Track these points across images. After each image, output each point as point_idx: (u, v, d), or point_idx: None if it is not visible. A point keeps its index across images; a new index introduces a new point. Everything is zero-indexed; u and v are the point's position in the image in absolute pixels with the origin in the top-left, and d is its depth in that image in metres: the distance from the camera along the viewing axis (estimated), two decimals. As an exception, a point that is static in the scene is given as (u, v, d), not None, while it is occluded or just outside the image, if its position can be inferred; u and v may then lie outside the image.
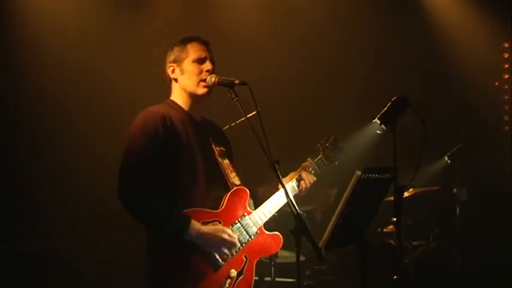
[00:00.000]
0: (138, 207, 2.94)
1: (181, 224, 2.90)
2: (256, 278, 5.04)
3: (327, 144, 3.56)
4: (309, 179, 3.41)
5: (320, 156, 3.52)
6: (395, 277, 5.01)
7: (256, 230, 3.16)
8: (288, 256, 5.18)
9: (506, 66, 6.80)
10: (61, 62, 5.75)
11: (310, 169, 3.46)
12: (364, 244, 3.03)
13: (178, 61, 3.20)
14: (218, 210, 3.08)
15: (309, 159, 3.50)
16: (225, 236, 2.99)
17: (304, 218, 2.72)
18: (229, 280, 3.01)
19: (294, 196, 3.36)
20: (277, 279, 5.07)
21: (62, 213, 5.60)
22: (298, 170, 3.46)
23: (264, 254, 3.31)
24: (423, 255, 5.59)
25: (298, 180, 3.39)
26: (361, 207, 2.97)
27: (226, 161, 3.27)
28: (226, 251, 3.00)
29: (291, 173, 3.43)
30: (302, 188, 3.39)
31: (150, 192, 2.93)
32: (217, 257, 2.99)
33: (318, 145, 3.57)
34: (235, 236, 3.05)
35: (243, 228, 3.11)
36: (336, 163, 3.60)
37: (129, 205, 2.94)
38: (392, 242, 5.52)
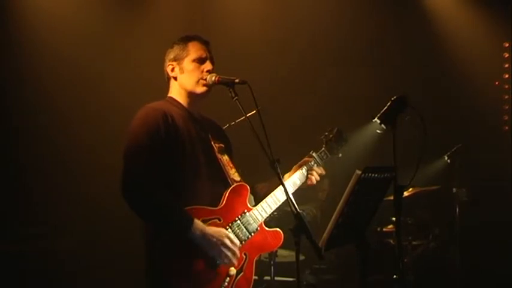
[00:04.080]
0: (141, 205, 2.92)
1: (184, 223, 2.89)
2: (256, 277, 5.04)
3: (331, 136, 3.51)
4: (317, 171, 3.37)
5: (323, 148, 3.47)
6: (394, 276, 5.01)
7: (256, 226, 3.14)
8: (287, 255, 5.19)
9: (506, 65, 6.80)
10: (61, 61, 5.76)
11: (312, 163, 3.40)
12: (363, 243, 3.03)
13: (178, 59, 3.18)
14: (218, 208, 3.06)
15: (311, 152, 3.44)
16: (227, 242, 2.97)
17: (304, 217, 2.71)
18: (228, 278, 3.00)
19: (303, 185, 3.34)
20: (276, 278, 5.07)
21: (62, 214, 5.60)
22: (299, 163, 3.40)
23: (264, 251, 3.30)
24: (423, 255, 5.59)
25: (309, 168, 3.35)
26: (361, 207, 2.97)
27: (226, 157, 3.25)
28: (225, 258, 2.97)
29: (294, 167, 3.40)
30: (312, 181, 3.35)
31: (153, 189, 2.92)
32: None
33: (322, 137, 3.52)
34: (237, 242, 3.03)
35: (243, 225, 3.10)
36: (340, 155, 3.54)
37: (132, 203, 2.91)
38: (391, 241, 5.53)
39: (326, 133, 3.53)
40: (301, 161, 3.43)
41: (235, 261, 3.01)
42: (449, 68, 6.75)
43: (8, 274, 4.89)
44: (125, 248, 5.21)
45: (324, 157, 3.46)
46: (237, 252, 3.01)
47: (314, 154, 3.44)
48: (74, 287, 5.32)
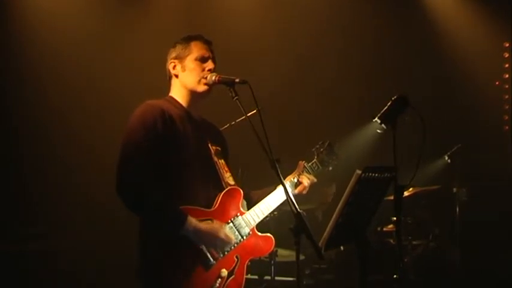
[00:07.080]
0: (135, 201, 2.92)
1: (178, 219, 2.89)
2: (256, 276, 5.06)
3: (322, 149, 3.56)
4: (308, 177, 3.41)
5: (314, 160, 3.51)
6: (394, 276, 5.01)
7: (248, 230, 3.14)
8: (287, 255, 5.19)
9: (507, 65, 6.81)
10: (61, 61, 5.75)
11: (305, 172, 3.43)
12: (364, 243, 3.03)
13: (180, 58, 3.19)
14: (211, 209, 3.06)
15: (304, 163, 3.48)
16: (222, 235, 2.99)
17: (304, 217, 2.71)
18: (219, 280, 3.00)
19: (294, 195, 3.35)
20: (276, 278, 5.07)
21: (62, 214, 5.60)
22: (294, 172, 3.44)
23: (255, 255, 3.28)
24: (423, 255, 5.59)
25: (300, 176, 3.38)
26: (361, 207, 2.96)
27: (222, 161, 3.25)
28: (219, 250, 3.00)
29: (288, 176, 3.42)
30: (304, 185, 3.36)
31: (147, 185, 2.91)
32: (209, 256, 2.98)
33: (313, 149, 3.56)
34: (232, 236, 3.05)
35: (236, 228, 3.10)
36: (330, 168, 3.59)
37: (126, 198, 2.91)
38: (392, 241, 5.52)
39: (317, 146, 3.58)
40: (296, 170, 3.45)
41: (226, 251, 3.03)
42: (449, 68, 6.74)
43: (8, 274, 4.89)
44: (124, 248, 5.19)
45: (316, 168, 3.49)
46: (232, 243, 3.03)
47: (306, 165, 3.47)
48: (73, 287, 5.31)
